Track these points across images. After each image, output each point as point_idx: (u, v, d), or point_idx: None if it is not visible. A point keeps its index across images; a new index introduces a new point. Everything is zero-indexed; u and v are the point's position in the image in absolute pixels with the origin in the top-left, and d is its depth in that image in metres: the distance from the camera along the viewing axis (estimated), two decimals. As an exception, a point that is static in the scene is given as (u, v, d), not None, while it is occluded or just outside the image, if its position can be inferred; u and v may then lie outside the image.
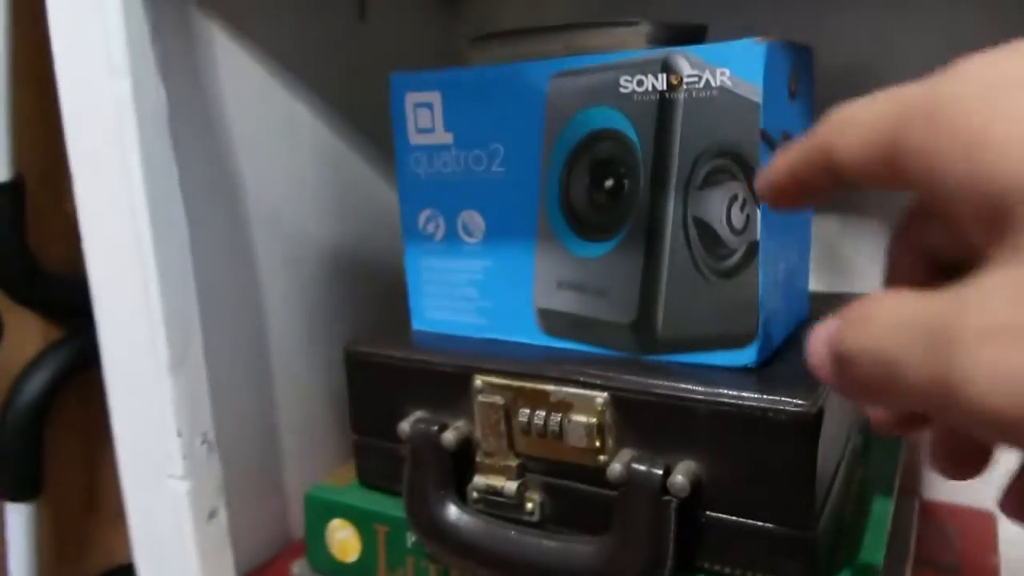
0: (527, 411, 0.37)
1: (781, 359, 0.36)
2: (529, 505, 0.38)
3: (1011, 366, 0.13)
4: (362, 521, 0.43)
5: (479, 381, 0.39)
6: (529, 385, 0.37)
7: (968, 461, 0.20)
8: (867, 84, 0.21)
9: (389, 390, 0.42)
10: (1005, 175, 0.14)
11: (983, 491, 0.52)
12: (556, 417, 0.37)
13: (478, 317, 0.42)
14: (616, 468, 0.34)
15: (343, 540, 0.44)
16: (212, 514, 0.43)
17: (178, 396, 0.41)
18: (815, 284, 0.44)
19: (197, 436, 0.42)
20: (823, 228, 0.53)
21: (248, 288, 0.48)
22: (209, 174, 0.45)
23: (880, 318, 0.16)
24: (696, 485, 0.33)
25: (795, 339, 0.39)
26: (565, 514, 0.38)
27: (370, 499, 0.43)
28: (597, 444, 0.36)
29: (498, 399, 0.38)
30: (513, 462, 0.38)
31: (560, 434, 0.37)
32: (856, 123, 0.18)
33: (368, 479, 0.45)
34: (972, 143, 0.14)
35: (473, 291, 0.42)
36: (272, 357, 0.50)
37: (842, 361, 0.17)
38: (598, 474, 0.36)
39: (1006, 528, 0.50)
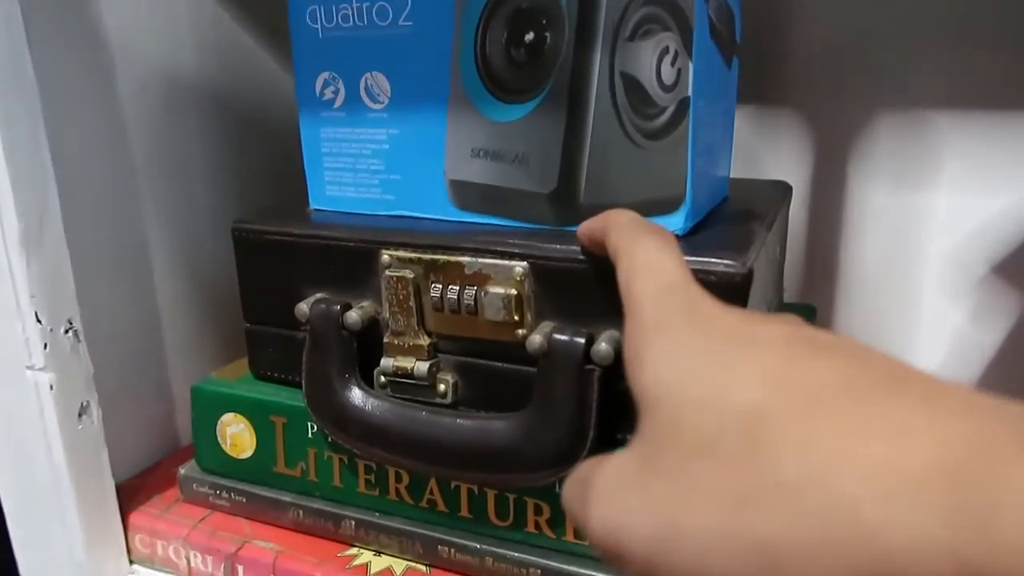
0: (439, 286, 0.35)
1: (707, 227, 0.34)
2: (441, 387, 0.36)
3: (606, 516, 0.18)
4: (257, 413, 0.39)
5: (386, 256, 0.35)
6: (442, 257, 0.34)
7: None
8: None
9: (285, 272, 0.38)
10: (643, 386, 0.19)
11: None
12: (471, 291, 0.34)
13: (384, 192, 0.38)
14: (536, 339, 0.32)
15: (236, 435, 0.40)
16: (82, 411, 0.38)
17: (34, 276, 0.35)
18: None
19: (60, 323, 0.37)
20: (737, 117, 0.52)
21: (117, 156, 0.43)
22: (62, 17, 0.39)
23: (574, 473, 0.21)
24: (619, 353, 0.31)
25: (718, 213, 0.37)
26: (480, 395, 0.36)
27: (264, 390, 0.40)
28: (515, 317, 0.33)
29: (407, 273, 0.35)
30: (424, 341, 0.36)
31: (475, 308, 0.34)
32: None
33: (262, 371, 0.41)
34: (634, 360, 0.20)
35: (378, 163, 0.38)
36: (150, 237, 0.45)
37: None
38: (516, 350, 0.34)
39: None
